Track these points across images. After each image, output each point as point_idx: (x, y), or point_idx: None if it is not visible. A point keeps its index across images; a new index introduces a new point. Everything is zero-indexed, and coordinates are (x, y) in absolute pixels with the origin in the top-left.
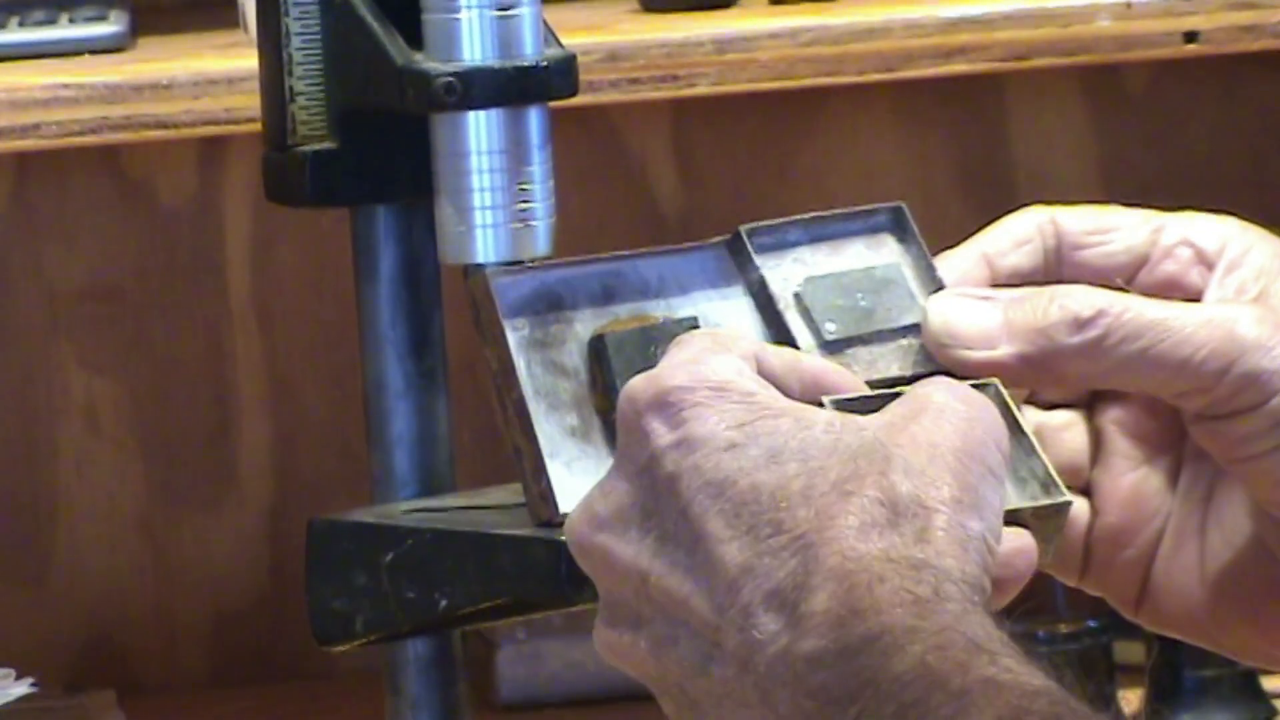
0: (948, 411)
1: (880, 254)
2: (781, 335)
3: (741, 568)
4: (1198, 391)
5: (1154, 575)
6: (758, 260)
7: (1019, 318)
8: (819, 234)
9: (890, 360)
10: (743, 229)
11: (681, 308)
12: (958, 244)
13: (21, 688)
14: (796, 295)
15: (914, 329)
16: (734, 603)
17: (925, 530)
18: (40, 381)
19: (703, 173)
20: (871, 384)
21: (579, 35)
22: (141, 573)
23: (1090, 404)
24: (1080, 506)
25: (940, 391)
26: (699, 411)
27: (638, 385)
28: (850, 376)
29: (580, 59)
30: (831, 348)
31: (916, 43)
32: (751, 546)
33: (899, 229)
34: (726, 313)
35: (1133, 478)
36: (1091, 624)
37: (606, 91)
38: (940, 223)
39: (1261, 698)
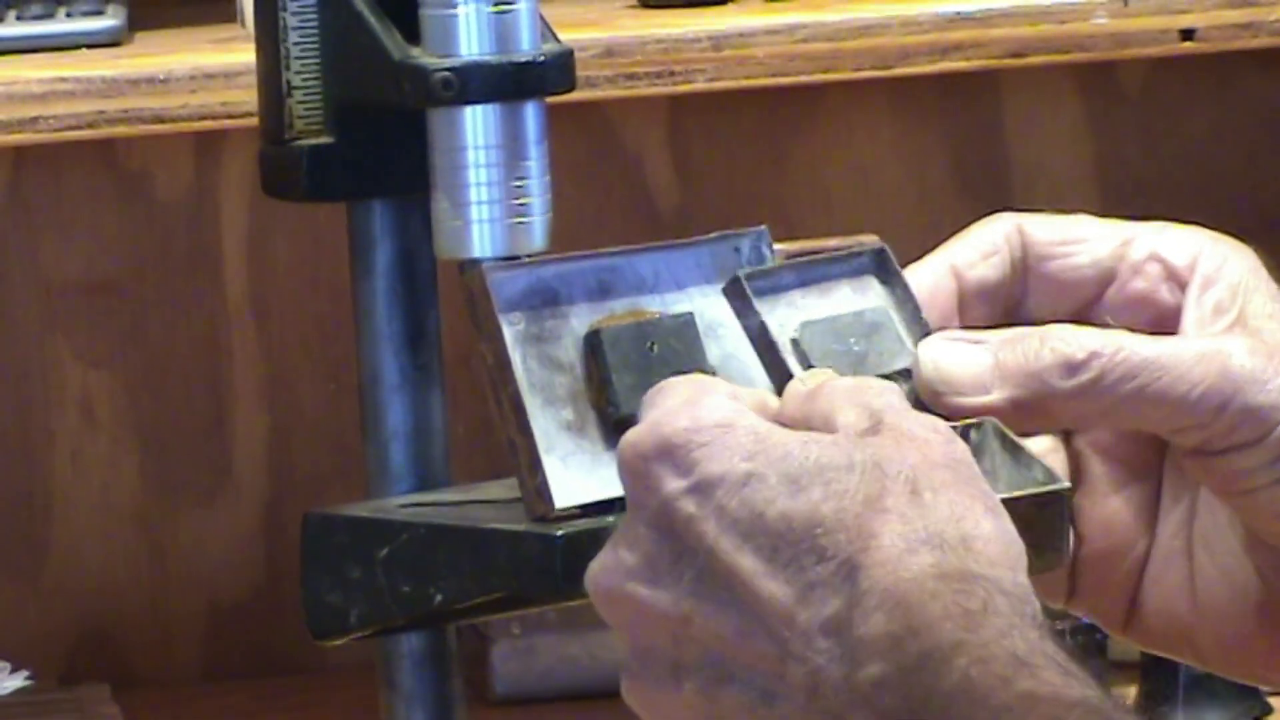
0: (927, 432)
1: (867, 297)
2: (784, 380)
3: (794, 599)
4: (1195, 428)
5: (1142, 597)
6: (758, 305)
7: (1010, 361)
8: (808, 277)
9: None
10: (740, 274)
11: (677, 303)
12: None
13: (16, 681)
14: (794, 341)
15: (904, 374)
16: (792, 635)
17: (971, 541)
18: (36, 374)
19: (699, 169)
20: None
21: (576, 31)
22: (136, 566)
23: (1068, 429)
24: None
25: (909, 419)
26: (708, 451)
27: (639, 434)
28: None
29: (577, 54)
30: None
31: (913, 39)
32: (799, 578)
33: (882, 271)
34: (721, 308)
35: (1114, 502)
36: (1085, 621)
37: (603, 87)
38: (935, 219)
39: (1255, 694)
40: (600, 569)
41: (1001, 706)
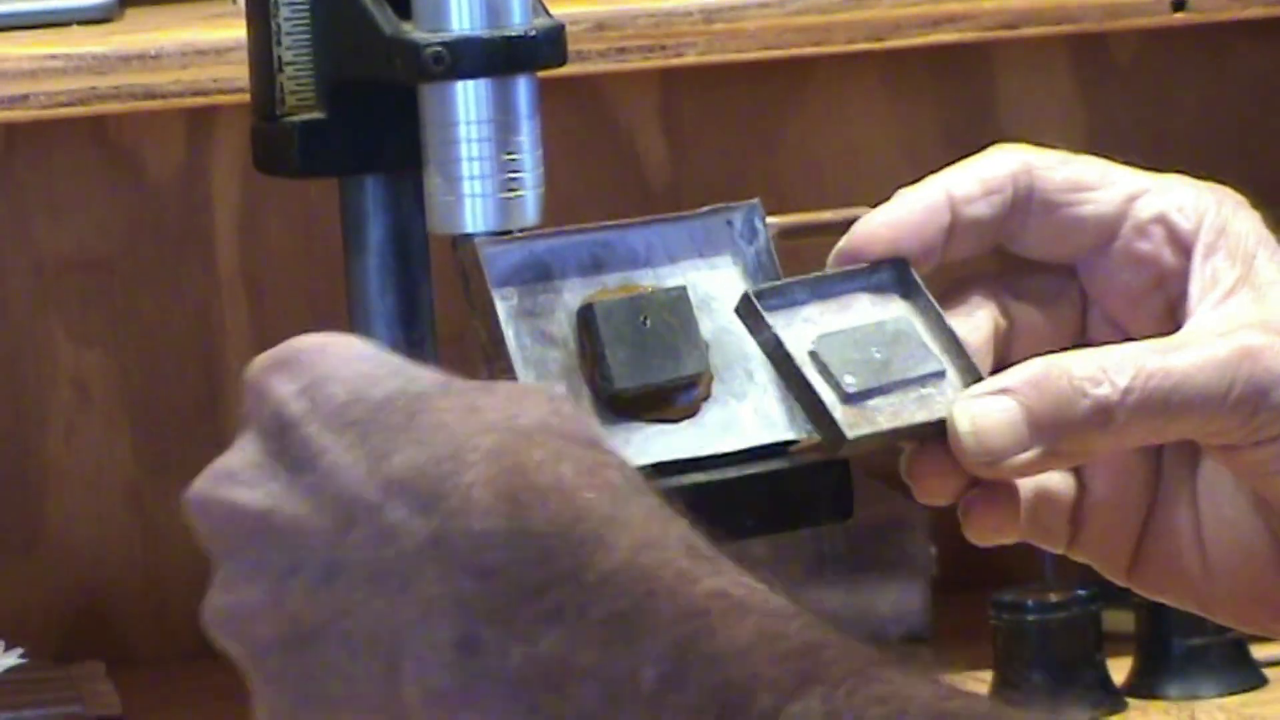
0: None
1: (889, 309)
2: (802, 391)
3: (375, 456)
4: (1227, 432)
5: (1146, 545)
6: (769, 319)
7: (1043, 412)
8: (824, 292)
9: (914, 408)
10: (749, 291)
11: (670, 277)
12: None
13: (10, 659)
14: (812, 353)
15: (933, 378)
16: (364, 500)
17: (579, 417)
18: (29, 353)
19: (691, 142)
20: (899, 431)
21: (567, 5)
22: (130, 544)
23: None
24: (1066, 481)
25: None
26: (325, 354)
27: (260, 356)
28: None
29: (569, 29)
30: (853, 400)
31: (904, 12)
32: (386, 441)
33: (903, 284)
34: (715, 282)
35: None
36: (1080, 593)
37: (595, 61)
38: None
39: (1251, 666)
40: (200, 480)
41: (694, 607)
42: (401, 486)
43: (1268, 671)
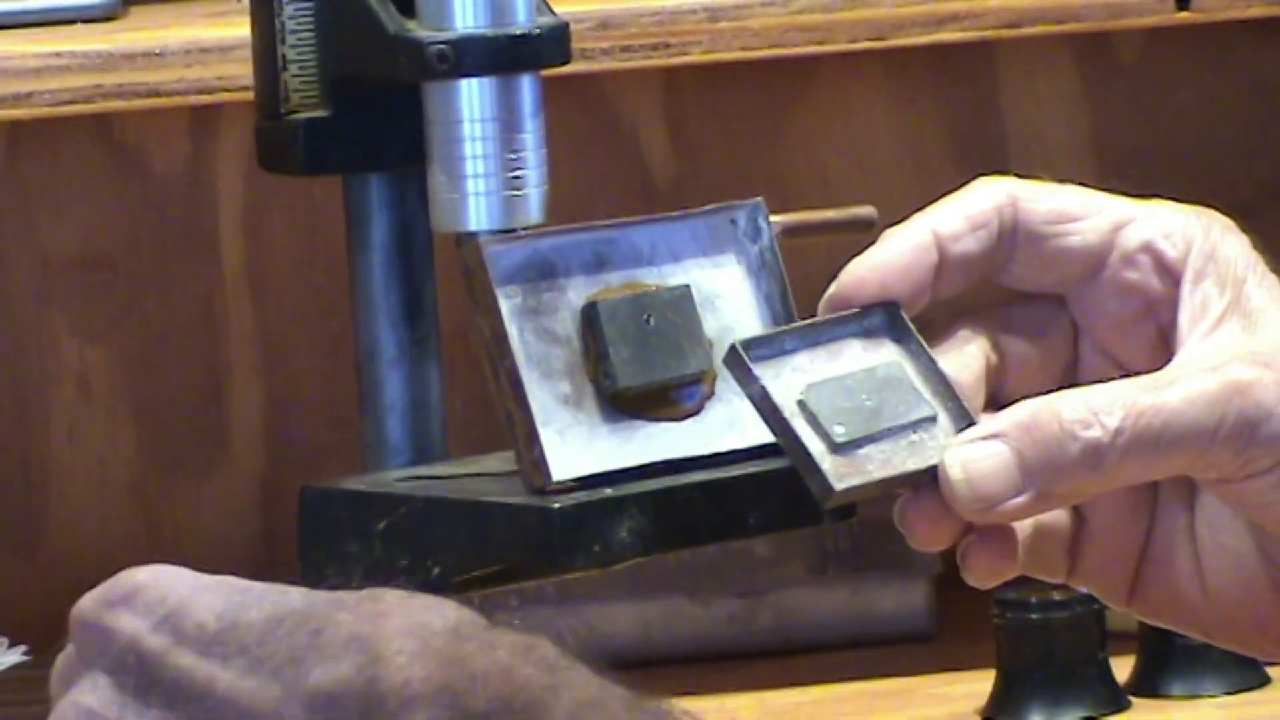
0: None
1: (879, 354)
2: (791, 443)
3: (288, 675)
4: (1218, 466)
5: (1144, 573)
6: (757, 371)
7: (1034, 456)
8: (814, 340)
9: (905, 456)
10: (736, 343)
11: (674, 276)
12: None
13: (14, 656)
14: (801, 403)
15: (924, 423)
16: (287, 711)
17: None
18: (32, 350)
19: (694, 141)
20: (890, 480)
21: (571, 3)
22: (134, 540)
23: None
24: (1062, 515)
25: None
26: (167, 587)
27: (85, 598)
28: None
29: (572, 27)
30: (843, 449)
31: (908, 10)
32: (294, 659)
33: (894, 327)
34: (718, 280)
35: None
36: (1084, 591)
37: (598, 59)
38: (931, 190)
39: (1254, 665)
40: None
41: None
42: (329, 699)
43: (1270, 670)
